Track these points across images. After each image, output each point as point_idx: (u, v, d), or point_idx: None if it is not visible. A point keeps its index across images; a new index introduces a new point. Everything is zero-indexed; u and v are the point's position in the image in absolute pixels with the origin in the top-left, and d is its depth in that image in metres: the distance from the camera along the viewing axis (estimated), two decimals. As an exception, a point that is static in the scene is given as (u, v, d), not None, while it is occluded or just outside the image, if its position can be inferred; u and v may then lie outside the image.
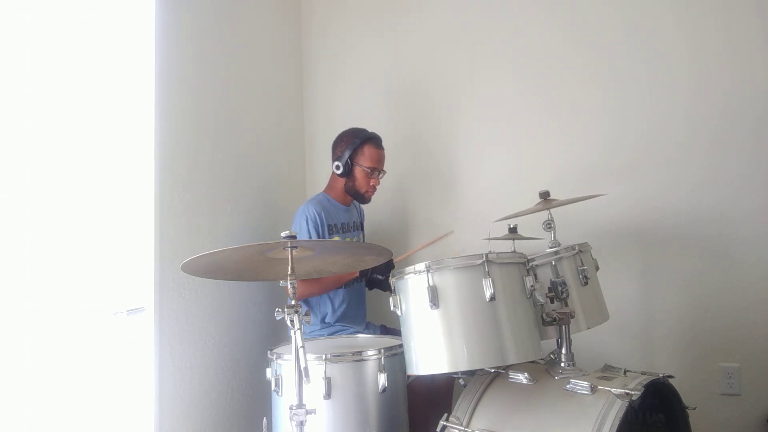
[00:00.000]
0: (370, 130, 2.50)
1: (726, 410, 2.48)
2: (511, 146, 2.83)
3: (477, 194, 2.88)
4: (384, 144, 2.50)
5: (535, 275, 1.83)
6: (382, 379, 1.79)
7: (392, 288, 1.74)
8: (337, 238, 2.41)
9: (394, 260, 2.42)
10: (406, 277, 1.68)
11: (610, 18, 2.70)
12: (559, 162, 2.73)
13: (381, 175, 2.48)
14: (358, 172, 2.43)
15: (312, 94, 3.22)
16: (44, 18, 1.60)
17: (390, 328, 2.49)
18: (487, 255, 1.61)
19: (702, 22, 2.57)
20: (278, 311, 1.48)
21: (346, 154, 2.41)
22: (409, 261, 2.64)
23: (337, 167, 2.43)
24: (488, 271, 1.60)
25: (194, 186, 2.20)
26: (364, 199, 2.51)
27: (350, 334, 2.35)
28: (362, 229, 2.68)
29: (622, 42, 2.67)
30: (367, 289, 2.58)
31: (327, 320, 2.40)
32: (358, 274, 2.38)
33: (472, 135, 2.90)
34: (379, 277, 2.38)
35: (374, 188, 2.48)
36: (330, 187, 2.53)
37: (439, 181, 2.97)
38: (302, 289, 2.26)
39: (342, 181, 2.47)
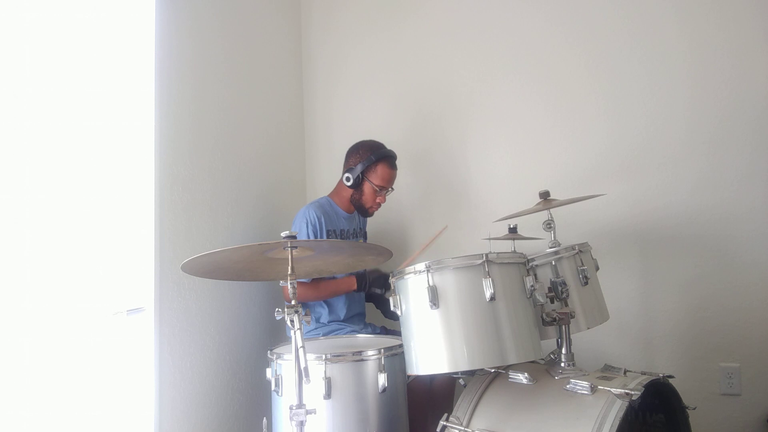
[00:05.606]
0: (376, 138, 2.48)
1: (726, 410, 2.48)
2: (511, 146, 2.83)
3: (477, 194, 2.88)
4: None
5: (535, 275, 1.82)
6: (382, 379, 1.79)
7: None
8: (334, 244, 2.41)
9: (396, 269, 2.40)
10: (406, 277, 1.68)
11: (610, 18, 2.70)
12: (559, 162, 2.73)
13: (388, 193, 2.47)
14: (367, 188, 2.41)
15: (312, 94, 3.22)
16: (44, 18, 1.60)
17: (390, 330, 2.48)
18: (487, 255, 1.61)
19: (702, 22, 2.57)
20: (278, 311, 1.48)
21: (359, 168, 2.38)
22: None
23: (347, 179, 2.40)
24: (488, 271, 1.60)
25: (194, 186, 2.20)
26: (367, 213, 2.51)
27: (347, 333, 2.34)
28: (365, 238, 2.66)
29: (623, 42, 2.67)
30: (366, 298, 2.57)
31: (322, 320, 2.40)
32: (356, 287, 2.36)
33: (472, 135, 2.90)
34: (377, 291, 2.36)
35: (379, 205, 2.47)
36: (336, 192, 2.51)
37: (439, 182, 2.96)
38: (298, 294, 2.24)
39: (349, 191, 2.44)
